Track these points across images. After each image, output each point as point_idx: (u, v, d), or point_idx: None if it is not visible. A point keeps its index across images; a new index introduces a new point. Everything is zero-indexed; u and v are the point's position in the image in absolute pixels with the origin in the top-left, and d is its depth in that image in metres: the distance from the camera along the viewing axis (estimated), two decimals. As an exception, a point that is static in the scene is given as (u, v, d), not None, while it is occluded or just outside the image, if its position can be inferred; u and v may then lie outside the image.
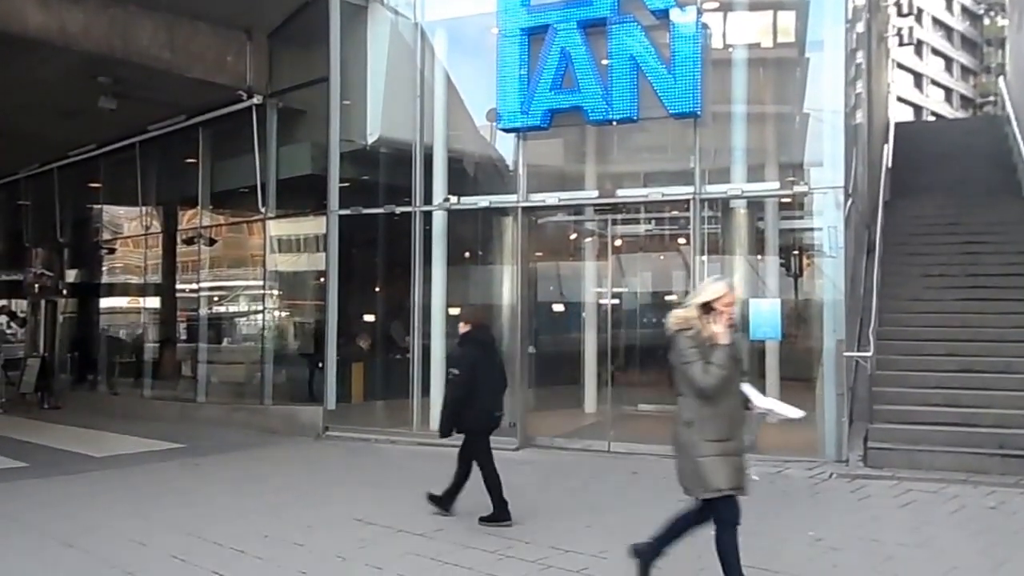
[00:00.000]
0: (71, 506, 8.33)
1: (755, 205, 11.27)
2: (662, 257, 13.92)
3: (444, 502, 7.38)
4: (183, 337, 16.84)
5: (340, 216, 12.59)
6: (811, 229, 11.18)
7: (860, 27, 13.19)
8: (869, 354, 9.99)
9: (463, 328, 7.40)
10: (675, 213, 12.21)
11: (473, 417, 7.11)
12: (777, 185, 10.87)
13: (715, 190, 10.68)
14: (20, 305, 22.90)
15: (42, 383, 18.04)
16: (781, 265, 11.66)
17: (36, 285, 19.95)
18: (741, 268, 11.67)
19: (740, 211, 11.61)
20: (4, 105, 14.40)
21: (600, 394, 12.20)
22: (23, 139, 16.98)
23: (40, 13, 11.35)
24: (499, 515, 7.01)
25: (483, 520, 7.03)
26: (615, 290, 12.43)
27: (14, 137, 16.67)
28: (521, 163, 11.46)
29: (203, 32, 12.80)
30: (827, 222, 10.24)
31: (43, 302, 20.50)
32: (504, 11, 11.16)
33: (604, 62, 10.67)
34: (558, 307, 14.13)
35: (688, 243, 10.79)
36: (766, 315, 10.34)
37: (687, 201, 10.66)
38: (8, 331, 21.72)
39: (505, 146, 11.90)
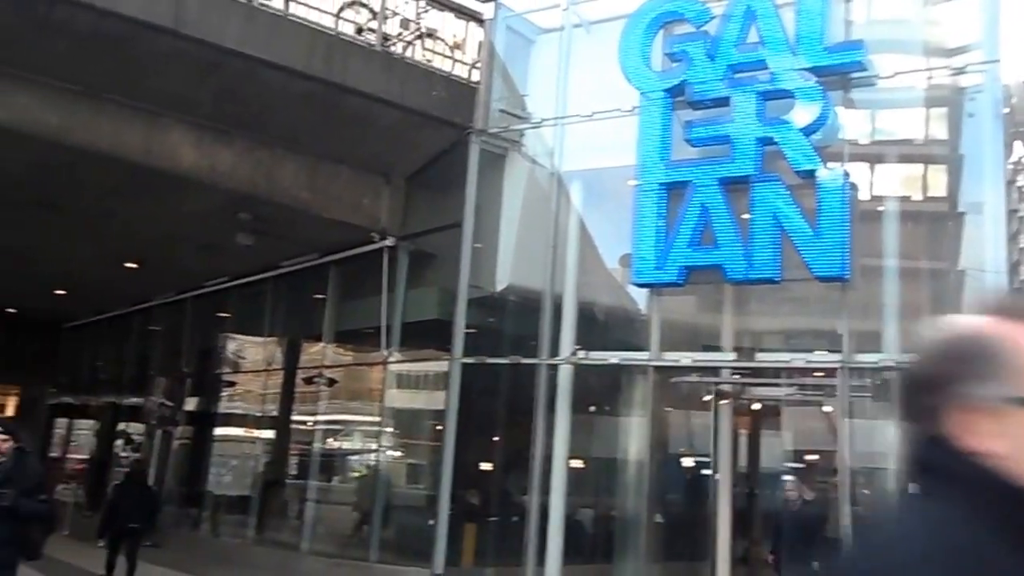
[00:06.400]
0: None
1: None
2: (803, 419, 12.96)
3: None
4: (293, 474, 16.54)
5: (463, 364, 12.24)
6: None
7: (1021, 181, 12.43)
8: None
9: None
10: (820, 377, 11.40)
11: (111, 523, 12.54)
12: (935, 357, 9.98)
13: (865, 359, 9.87)
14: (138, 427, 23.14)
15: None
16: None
17: (155, 415, 20.24)
18: (895, 435, 10.64)
19: (894, 378, 10.72)
20: (149, 236, 15.03)
21: (734, 574, 11.11)
22: (162, 269, 17.67)
23: (193, 152, 11.82)
24: None
25: None
26: (751, 456, 11.53)
27: (154, 267, 17.38)
28: (655, 320, 10.93)
29: (343, 175, 13.06)
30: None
31: (159, 431, 20.70)
32: (643, 165, 10.87)
33: (745, 217, 10.24)
34: (688, 469, 13.22)
35: (834, 409, 9.98)
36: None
37: (834, 369, 9.92)
38: (123, 455, 21.96)
39: (638, 297, 11.49)
